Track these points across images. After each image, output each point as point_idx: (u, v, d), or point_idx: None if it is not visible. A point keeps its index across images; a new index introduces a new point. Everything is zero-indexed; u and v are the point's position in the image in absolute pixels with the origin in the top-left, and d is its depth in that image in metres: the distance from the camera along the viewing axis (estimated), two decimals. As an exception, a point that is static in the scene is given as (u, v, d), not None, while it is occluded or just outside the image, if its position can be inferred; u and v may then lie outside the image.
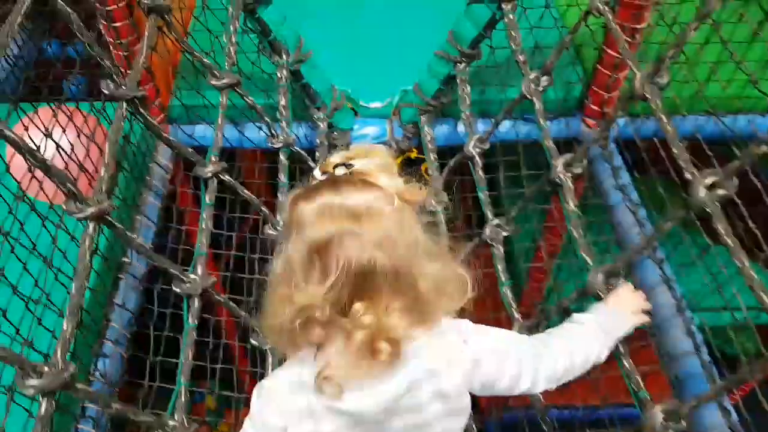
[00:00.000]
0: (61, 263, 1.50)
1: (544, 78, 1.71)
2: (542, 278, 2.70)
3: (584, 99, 2.26)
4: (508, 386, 1.02)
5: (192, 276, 1.41)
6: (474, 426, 1.44)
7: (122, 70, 1.99)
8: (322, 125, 2.21)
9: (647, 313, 1.20)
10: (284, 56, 2.05)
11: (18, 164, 1.44)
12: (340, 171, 0.92)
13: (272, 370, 1.52)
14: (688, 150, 1.13)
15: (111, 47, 1.94)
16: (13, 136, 0.97)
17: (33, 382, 0.92)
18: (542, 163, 1.66)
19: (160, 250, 1.94)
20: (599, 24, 1.84)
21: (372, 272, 0.85)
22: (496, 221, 1.75)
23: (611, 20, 1.50)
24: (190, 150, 1.62)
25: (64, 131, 1.71)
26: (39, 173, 1.57)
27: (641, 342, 1.53)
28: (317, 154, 2.16)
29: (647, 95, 1.26)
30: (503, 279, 1.67)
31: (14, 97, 2.00)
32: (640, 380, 1.18)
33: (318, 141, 2.19)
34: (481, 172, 1.87)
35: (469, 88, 2.06)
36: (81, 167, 1.69)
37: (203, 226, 1.50)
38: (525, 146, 2.29)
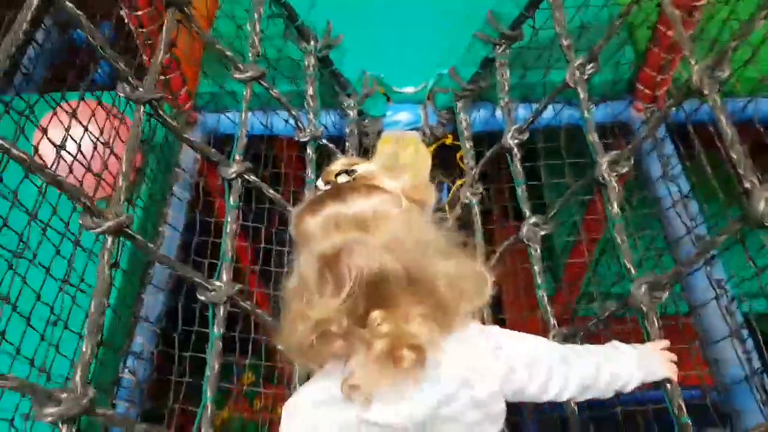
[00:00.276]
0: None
1: (591, 65, 1.57)
2: (580, 274, 2.58)
3: (635, 81, 2.10)
4: (536, 393, 1.01)
5: (217, 283, 1.37)
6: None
7: (147, 57, 1.95)
8: (352, 113, 2.12)
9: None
10: (312, 42, 1.96)
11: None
12: (343, 179, 0.90)
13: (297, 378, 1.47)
14: (747, 139, 1.02)
15: (134, 35, 1.89)
16: (21, 155, 0.92)
17: (51, 410, 0.90)
18: (587, 149, 1.55)
19: (188, 247, 1.92)
20: (654, 1, 1.68)
21: (384, 278, 0.84)
22: (533, 219, 1.64)
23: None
24: (212, 150, 1.57)
25: (87, 129, 1.68)
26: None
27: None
28: (347, 143, 2.08)
29: (705, 91, 1.14)
30: (539, 281, 1.59)
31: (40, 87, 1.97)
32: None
33: (348, 130, 2.11)
34: (519, 166, 1.76)
35: (508, 73, 1.94)
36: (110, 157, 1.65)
37: (227, 230, 1.45)
38: (568, 130, 2.17)
